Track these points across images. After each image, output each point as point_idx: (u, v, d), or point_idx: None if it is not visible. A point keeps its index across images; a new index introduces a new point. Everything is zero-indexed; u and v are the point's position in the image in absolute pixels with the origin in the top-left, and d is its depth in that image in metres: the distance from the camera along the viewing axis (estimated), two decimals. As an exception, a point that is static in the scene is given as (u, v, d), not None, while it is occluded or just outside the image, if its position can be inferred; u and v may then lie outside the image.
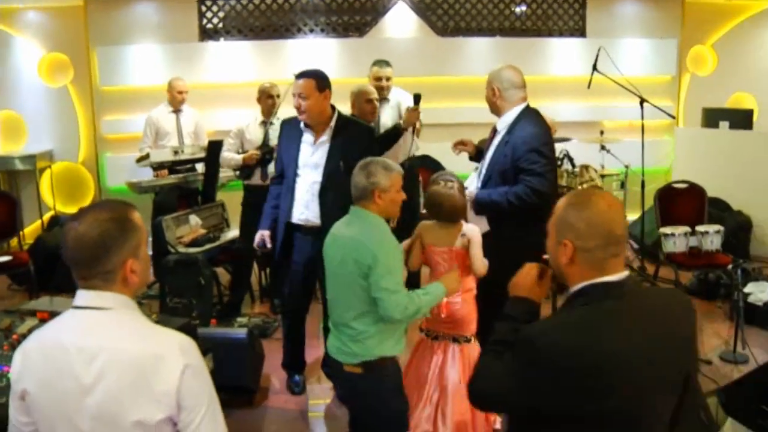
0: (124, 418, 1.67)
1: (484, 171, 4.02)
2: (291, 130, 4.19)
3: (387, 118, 5.48)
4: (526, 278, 2.03)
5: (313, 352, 4.79)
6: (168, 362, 1.69)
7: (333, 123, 4.05)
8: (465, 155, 4.40)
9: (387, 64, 5.70)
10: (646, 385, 1.68)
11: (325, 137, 4.05)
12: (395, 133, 5.00)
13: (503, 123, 3.95)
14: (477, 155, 4.32)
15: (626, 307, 1.73)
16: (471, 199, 3.84)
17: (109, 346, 1.69)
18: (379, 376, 2.99)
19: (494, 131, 4.04)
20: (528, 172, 3.75)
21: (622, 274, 1.78)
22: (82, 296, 1.76)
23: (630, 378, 1.65)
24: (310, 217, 4.06)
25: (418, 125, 5.17)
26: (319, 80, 3.95)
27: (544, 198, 3.66)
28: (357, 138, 4.04)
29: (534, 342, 1.69)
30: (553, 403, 1.67)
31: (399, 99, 5.76)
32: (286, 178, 4.17)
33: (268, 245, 4.22)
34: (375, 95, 5.10)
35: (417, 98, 4.86)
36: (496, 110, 4.00)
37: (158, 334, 1.78)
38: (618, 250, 1.77)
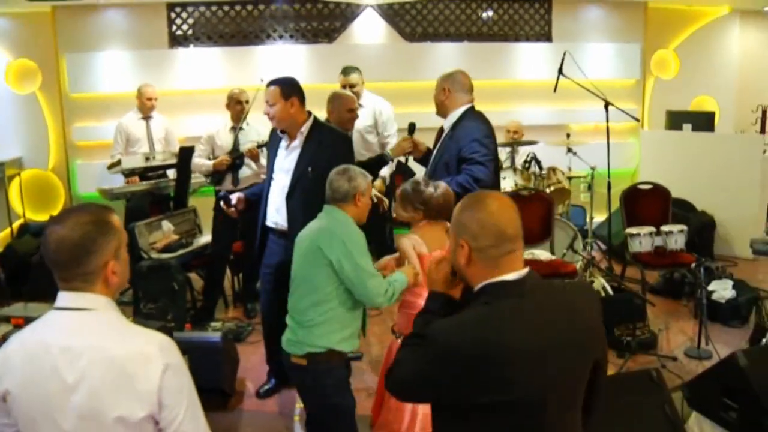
0: (106, 416, 1.71)
1: (429, 165, 4.28)
2: (275, 136, 4.27)
3: (358, 122, 5.47)
4: (438, 274, 2.09)
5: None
6: (149, 362, 1.73)
7: (306, 129, 4.08)
8: None
9: (353, 70, 5.74)
10: (552, 376, 1.75)
11: (297, 142, 4.10)
12: (379, 162, 4.94)
13: (449, 121, 4.22)
14: (424, 158, 4.52)
15: (528, 305, 1.79)
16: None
17: (93, 346, 1.73)
18: (323, 369, 3.05)
19: (441, 131, 4.31)
20: (469, 161, 3.98)
21: (521, 272, 1.84)
22: (64, 298, 1.80)
23: (534, 370, 1.72)
24: (280, 220, 4.13)
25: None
26: (284, 87, 4.01)
27: (483, 186, 3.83)
28: (330, 145, 4.07)
29: (438, 339, 1.75)
30: (461, 396, 1.74)
31: (374, 106, 5.82)
32: (266, 181, 4.28)
33: (232, 201, 4.32)
34: (355, 104, 5.04)
35: (412, 128, 4.65)
36: (444, 110, 4.25)
37: (139, 334, 1.82)
38: (513, 247, 1.84)
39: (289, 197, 4.05)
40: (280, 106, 3.99)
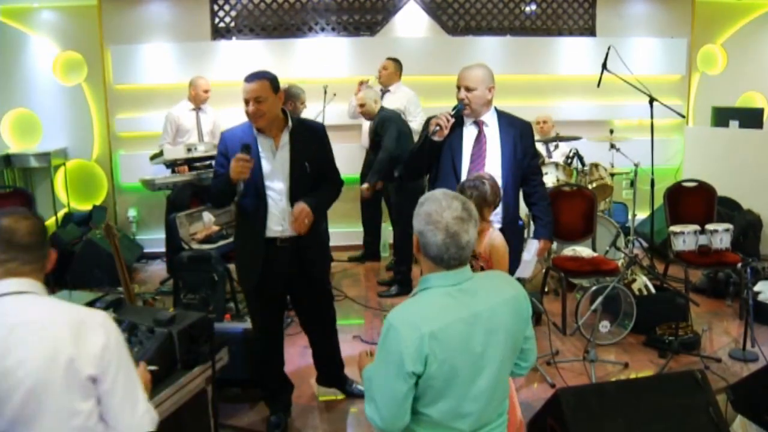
0: (60, 367, 1.85)
1: (501, 173, 3.84)
2: (238, 142, 3.61)
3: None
4: None
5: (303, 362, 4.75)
6: (92, 329, 1.94)
7: (290, 123, 3.71)
8: None
9: None
10: None
11: (285, 140, 3.69)
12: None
13: (491, 116, 3.99)
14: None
15: None
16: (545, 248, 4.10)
17: (39, 318, 1.91)
18: None
19: (479, 130, 3.96)
20: (536, 176, 4.14)
21: None
22: (6, 284, 1.97)
23: None
24: (287, 227, 3.71)
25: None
26: (273, 81, 3.58)
27: None
28: (315, 135, 3.80)
29: None
30: None
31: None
32: (249, 192, 3.64)
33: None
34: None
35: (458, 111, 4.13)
36: (480, 110, 3.94)
37: (80, 307, 2.04)
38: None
39: (294, 200, 3.67)
40: (272, 101, 3.56)
